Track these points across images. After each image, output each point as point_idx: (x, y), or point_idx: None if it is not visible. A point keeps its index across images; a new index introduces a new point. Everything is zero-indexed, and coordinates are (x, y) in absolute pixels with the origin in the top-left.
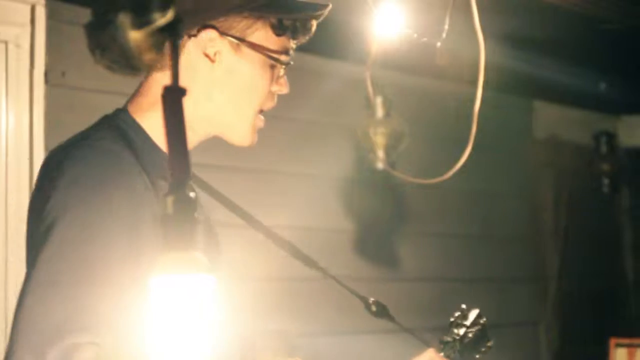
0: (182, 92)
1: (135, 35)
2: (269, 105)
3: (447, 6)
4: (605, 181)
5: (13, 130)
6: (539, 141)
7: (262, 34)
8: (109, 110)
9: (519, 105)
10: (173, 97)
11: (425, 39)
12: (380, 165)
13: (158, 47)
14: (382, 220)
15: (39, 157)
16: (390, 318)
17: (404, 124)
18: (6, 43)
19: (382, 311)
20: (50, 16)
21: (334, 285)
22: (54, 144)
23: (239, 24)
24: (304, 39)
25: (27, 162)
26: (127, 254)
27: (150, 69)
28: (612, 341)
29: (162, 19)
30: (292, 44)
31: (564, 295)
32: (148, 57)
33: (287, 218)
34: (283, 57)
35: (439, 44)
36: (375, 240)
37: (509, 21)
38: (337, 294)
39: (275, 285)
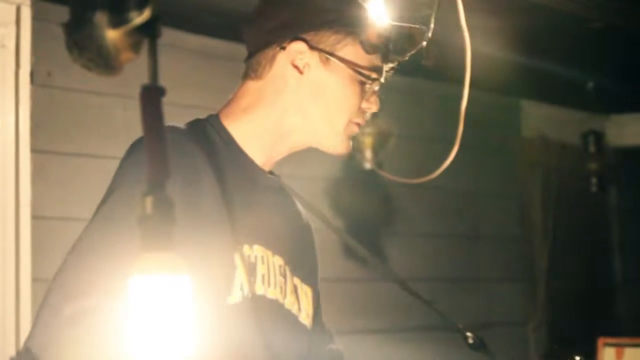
0: (160, 91)
1: (112, 34)
2: (359, 120)
3: (433, 5)
4: (594, 180)
5: None
6: (527, 140)
7: (351, 49)
8: (95, 110)
9: (507, 104)
10: (151, 96)
11: None
12: (367, 165)
13: (136, 47)
14: (370, 220)
15: (25, 157)
16: (490, 354)
17: (391, 123)
18: None
19: (479, 345)
20: (36, 16)
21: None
22: (40, 143)
23: (328, 39)
24: (397, 60)
25: (13, 161)
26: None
27: (122, 67)
28: (601, 341)
29: (139, 18)
30: (385, 63)
31: (552, 295)
32: (125, 56)
33: None
34: (373, 75)
35: (425, 43)
36: (364, 240)
37: (496, 20)
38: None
39: None
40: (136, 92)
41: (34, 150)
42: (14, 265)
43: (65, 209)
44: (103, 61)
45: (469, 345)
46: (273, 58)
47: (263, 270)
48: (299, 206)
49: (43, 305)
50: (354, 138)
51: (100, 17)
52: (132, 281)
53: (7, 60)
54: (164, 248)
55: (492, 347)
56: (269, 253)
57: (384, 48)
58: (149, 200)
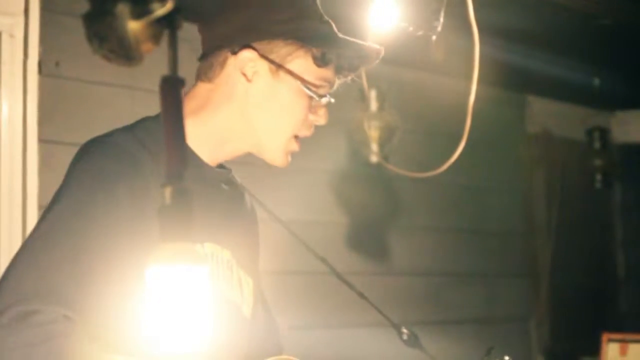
0: (180, 82)
1: (133, 25)
2: (305, 133)
3: (442, 0)
4: (598, 177)
5: (6, 121)
6: (532, 136)
7: (302, 62)
8: (103, 100)
9: (512, 99)
10: (171, 87)
11: (420, 33)
12: (373, 158)
13: (156, 38)
14: (375, 214)
15: (33, 147)
16: (425, 351)
17: (398, 117)
18: (0, 33)
19: (414, 341)
20: (44, 6)
21: (327, 280)
22: (48, 134)
23: (280, 50)
24: (349, 75)
25: (20, 152)
26: (118, 245)
27: (142, 58)
28: (605, 336)
29: (161, 9)
30: (337, 78)
31: (555, 291)
32: (146, 47)
33: (280, 211)
34: (322, 90)
35: (434, 37)
36: (368, 233)
37: (503, 15)
38: (331, 288)
39: (270, 279)
40: (145, 83)
41: (42, 140)
42: None
43: None
44: (124, 52)
45: (404, 341)
46: (224, 62)
47: (213, 267)
48: (247, 197)
49: None
50: (359, 131)
51: (122, 8)
52: (151, 270)
53: (15, 50)
54: (182, 238)
55: (494, 342)
56: (219, 248)
57: (337, 63)
58: (168, 191)
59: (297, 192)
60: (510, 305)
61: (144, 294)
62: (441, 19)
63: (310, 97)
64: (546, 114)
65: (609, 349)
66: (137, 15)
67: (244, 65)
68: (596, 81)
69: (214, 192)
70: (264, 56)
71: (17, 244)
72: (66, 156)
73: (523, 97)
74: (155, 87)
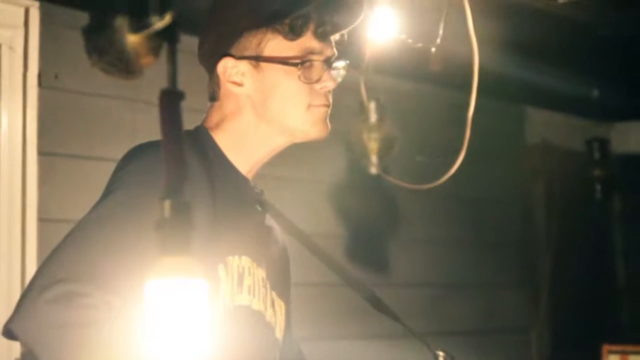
0: (179, 95)
1: (132, 39)
2: (321, 102)
3: (441, 11)
4: (598, 187)
5: (6, 133)
6: (532, 147)
7: (275, 43)
8: (102, 112)
9: (511, 111)
10: (170, 100)
11: (419, 44)
12: (373, 170)
13: (155, 51)
14: (374, 226)
15: (32, 159)
16: None
17: (397, 129)
18: (0, 45)
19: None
20: (44, 19)
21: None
22: (47, 146)
23: (251, 43)
24: (335, 33)
25: (20, 164)
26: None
27: (142, 71)
28: (605, 348)
29: (160, 23)
30: (323, 40)
31: (555, 301)
32: (145, 60)
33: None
34: (309, 57)
35: (433, 49)
36: (367, 245)
37: (502, 27)
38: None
39: None
40: (145, 95)
41: (41, 152)
42: (19, 267)
43: (71, 211)
44: (123, 65)
45: None
46: (217, 80)
47: (249, 282)
48: (275, 226)
49: (30, 286)
50: (358, 143)
51: (121, 22)
52: (149, 284)
53: (15, 63)
54: (181, 252)
55: (494, 353)
56: (255, 265)
57: (312, 28)
58: (167, 204)
59: (297, 204)
60: (510, 316)
61: (144, 307)
62: (440, 31)
63: (304, 70)
64: (545, 125)
65: None
66: (136, 28)
67: (230, 74)
68: (595, 92)
69: (250, 210)
70: (239, 57)
71: (16, 255)
72: (66, 168)
73: (522, 109)
74: (156, 99)
